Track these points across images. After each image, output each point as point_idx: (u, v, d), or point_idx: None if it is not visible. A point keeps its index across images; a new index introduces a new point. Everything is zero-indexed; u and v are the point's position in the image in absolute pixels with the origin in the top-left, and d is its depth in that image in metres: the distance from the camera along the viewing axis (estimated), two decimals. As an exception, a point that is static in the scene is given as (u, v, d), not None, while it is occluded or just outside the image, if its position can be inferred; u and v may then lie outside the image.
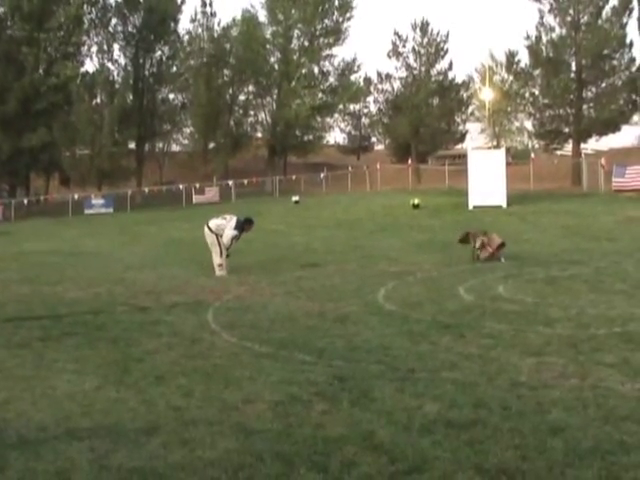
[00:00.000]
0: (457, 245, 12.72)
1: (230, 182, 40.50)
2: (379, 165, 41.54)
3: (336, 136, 70.46)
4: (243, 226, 11.07)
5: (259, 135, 52.55)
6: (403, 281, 9.63)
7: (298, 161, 57.26)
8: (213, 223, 11.10)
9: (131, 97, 44.32)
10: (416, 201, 25.51)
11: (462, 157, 49.31)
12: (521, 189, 30.32)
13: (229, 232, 10.88)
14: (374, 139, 71.13)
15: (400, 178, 45.85)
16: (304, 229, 21.10)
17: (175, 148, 57.12)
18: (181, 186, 39.65)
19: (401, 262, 11.96)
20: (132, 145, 46.77)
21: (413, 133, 47.79)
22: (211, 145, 50.74)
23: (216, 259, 10.96)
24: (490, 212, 22.19)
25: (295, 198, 33.23)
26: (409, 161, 39.60)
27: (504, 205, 24.19)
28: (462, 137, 55.71)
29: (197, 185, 40.05)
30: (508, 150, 46.23)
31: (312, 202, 32.72)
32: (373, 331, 6.31)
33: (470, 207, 24.27)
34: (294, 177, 42.10)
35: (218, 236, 10.94)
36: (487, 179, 24.31)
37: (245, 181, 39.97)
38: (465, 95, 51.36)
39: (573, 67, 36.97)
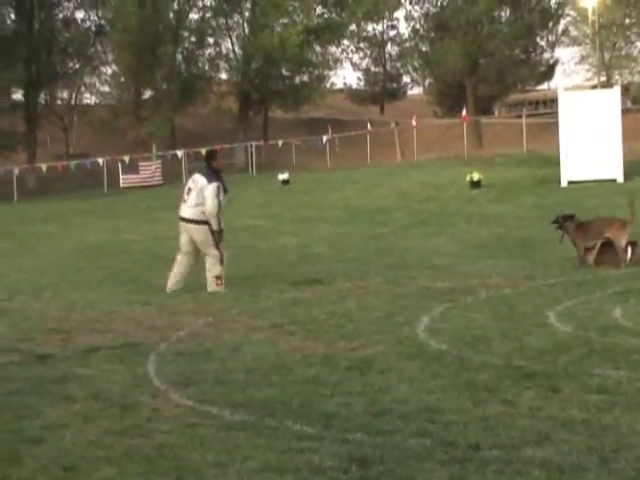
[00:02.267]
0: (547, 243, 12.69)
1: (179, 152, 40.74)
2: (416, 120, 41.66)
3: (346, 76, 70.86)
4: (211, 167, 11.63)
5: (223, 77, 52.78)
6: (458, 304, 9.63)
7: (287, 117, 57.60)
8: (189, 209, 11.57)
9: (12, 17, 44.26)
10: (476, 176, 25.60)
11: (549, 103, 49.23)
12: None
13: (209, 191, 11.35)
14: (407, 79, 71.63)
15: (449, 140, 45.94)
16: (298, 225, 21.16)
17: (89, 100, 57.17)
18: (100, 160, 39.79)
19: (454, 274, 11.96)
20: (17, 95, 46.79)
21: (469, 67, 47.77)
22: (147, 94, 50.90)
23: (214, 268, 11.51)
24: (597, 190, 22.21)
25: (283, 176, 33.34)
26: (463, 112, 39.68)
27: (620, 179, 24.18)
28: (549, 71, 55.72)
29: (126, 158, 40.18)
30: (626, 89, 45.97)
31: (310, 182, 32.83)
32: (411, 384, 6.31)
33: (564, 183, 24.30)
34: (280, 143, 42.33)
35: (208, 225, 11.47)
36: (591, 137, 24.19)
37: (202, 150, 40.07)
38: (554, 2, 50.88)
39: None
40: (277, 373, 6.82)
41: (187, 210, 11.62)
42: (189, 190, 11.65)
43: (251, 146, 43.49)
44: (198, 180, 11.57)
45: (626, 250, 11.74)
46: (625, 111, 25.30)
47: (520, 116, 41.78)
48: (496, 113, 57.87)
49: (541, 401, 5.73)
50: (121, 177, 39.74)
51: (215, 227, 11.47)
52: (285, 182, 32.80)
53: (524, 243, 15.14)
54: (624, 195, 20.90)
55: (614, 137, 24.04)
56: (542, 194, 22.81)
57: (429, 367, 6.77)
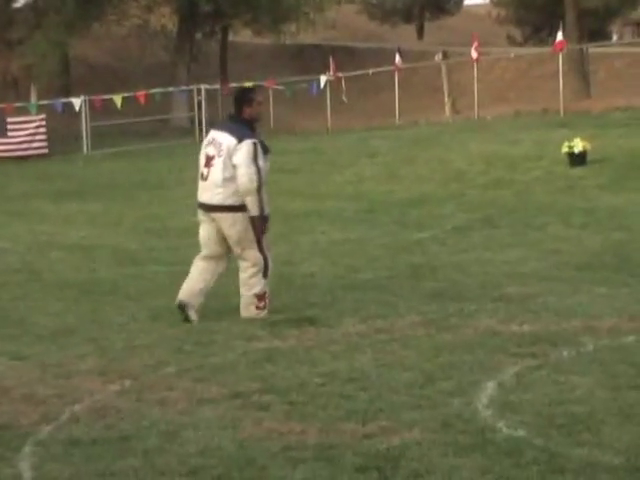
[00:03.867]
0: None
1: (76, 101, 40.65)
2: (477, 50, 41.66)
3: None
4: (242, 117, 12.11)
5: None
6: (546, 361, 9.66)
7: (260, 44, 57.43)
8: (212, 190, 12.05)
9: None
10: (579, 145, 25.60)
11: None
12: None
13: (242, 154, 11.75)
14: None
15: (534, 84, 45.88)
16: (279, 225, 21.03)
17: None
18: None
19: (540, 310, 11.98)
20: None
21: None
22: (20, 1, 50.82)
23: (254, 281, 12.11)
24: None
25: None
26: (558, 37, 39.68)
27: None
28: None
29: (-14, 111, 40.10)
30: None
31: (298, 153, 32.62)
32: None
33: None
34: (249, 86, 42.14)
35: (240, 210, 11.91)
36: None
37: (118, 99, 39.98)
38: None
39: None
40: (240, 476, 6.83)
41: (209, 192, 12.05)
42: (208, 159, 12.03)
43: (199, 92, 43.47)
44: (221, 140, 11.97)
45: None
46: None
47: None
48: (614, 38, 57.98)
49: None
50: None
51: (255, 212, 11.84)
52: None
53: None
54: None
55: None
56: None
57: (497, 467, 6.79)
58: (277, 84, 44.38)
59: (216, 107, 44.29)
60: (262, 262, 12.01)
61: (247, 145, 11.73)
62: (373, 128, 37.85)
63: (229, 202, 11.89)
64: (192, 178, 28.99)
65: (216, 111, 43.87)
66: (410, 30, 69.59)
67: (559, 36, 39.36)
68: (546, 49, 44.33)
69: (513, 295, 12.95)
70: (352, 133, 37.01)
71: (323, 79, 42.37)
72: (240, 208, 11.88)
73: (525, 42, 57.21)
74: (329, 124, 41.53)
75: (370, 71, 44.86)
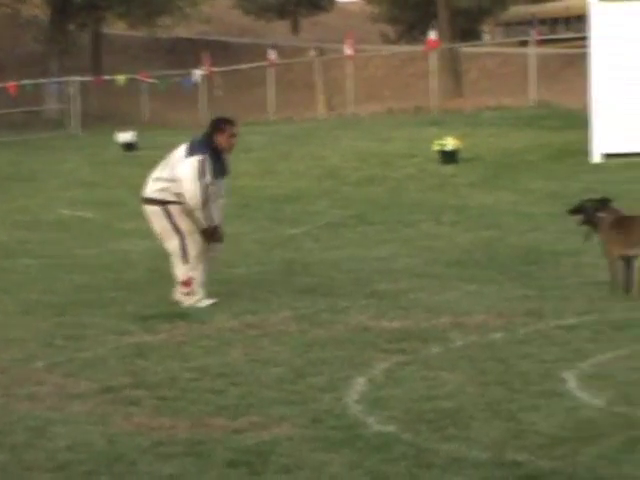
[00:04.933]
0: (566, 257, 12.83)
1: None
2: (351, 47, 41.79)
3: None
4: (211, 142, 12.54)
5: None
6: (416, 357, 9.71)
7: (133, 36, 56.98)
8: (148, 184, 12.68)
9: None
10: (450, 143, 25.78)
11: (575, 22, 49.97)
12: None
13: (186, 167, 12.14)
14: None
15: (407, 81, 46.06)
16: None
17: None
18: None
19: (410, 306, 12.05)
20: None
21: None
22: None
23: (177, 269, 12.56)
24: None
25: (125, 136, 33.07)
26: (431, 35, 39.98)
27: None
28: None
29: None
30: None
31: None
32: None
33: (596, 157, 24.46)
34: (122, 79, 41.88)
35: (168, 206, 12.27)
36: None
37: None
38: None
39: None
40: (109, 471, 6.78)
41: (152, 186, 12.52)
42: (165, 163, 12.67)
43: (71, 84, 43.01)
44: (175, 152, 12.61)
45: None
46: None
47: (525, 43, 42.21)
48: (485, 37, 58.51)
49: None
50: None
51: (202, 224, 12.25)
52: (129, 147, 32.56)
53: (528, 257, 15.24)
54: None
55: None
56: (560, 175, 23.01)
57: (366, 462, 6.80)
58: (151, 77, 44.09)
59: (89, 100, 43.87)
60: (179, 249, 12.34)
61: (193, 161, 12.09)
62: (248, 123, 37.70)
63: (154, 195, 12.39)
64: (65, 171, 28.81)
65: (88, 103, 43.45)
66: (285, 26, 69.55)
67: (432, 35, 39.65)
68: (419, 47, 44.62)
69: (384, 291, 13.01)
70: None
71: (197, 73, 42.18)
72: (161, 202, 12.30)
73: (398, 40, 57.46)
74: (201, 117, 41.34)
75: (244, 66, 44.74)
